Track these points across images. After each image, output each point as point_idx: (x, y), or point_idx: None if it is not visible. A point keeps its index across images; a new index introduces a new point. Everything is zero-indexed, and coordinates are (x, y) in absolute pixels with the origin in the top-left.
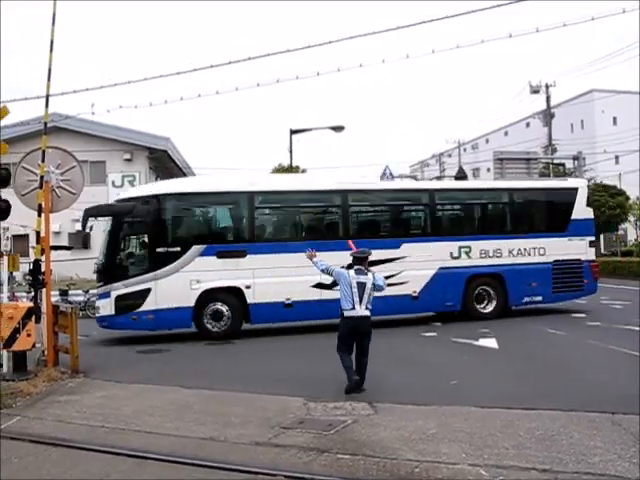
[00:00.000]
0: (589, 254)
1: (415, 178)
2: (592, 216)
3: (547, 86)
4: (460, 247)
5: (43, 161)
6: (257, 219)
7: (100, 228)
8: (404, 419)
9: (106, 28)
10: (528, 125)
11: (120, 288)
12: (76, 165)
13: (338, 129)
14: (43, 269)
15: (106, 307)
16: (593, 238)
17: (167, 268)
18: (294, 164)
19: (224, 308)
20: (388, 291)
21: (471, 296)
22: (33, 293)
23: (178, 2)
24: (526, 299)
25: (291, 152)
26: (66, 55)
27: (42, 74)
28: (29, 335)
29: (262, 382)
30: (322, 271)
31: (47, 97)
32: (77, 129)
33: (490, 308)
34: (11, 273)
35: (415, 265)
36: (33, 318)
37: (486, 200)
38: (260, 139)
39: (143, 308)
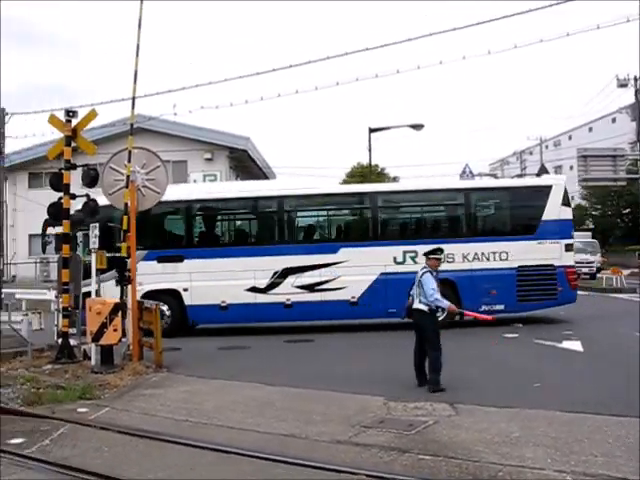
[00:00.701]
0: (565, 259)
1: (495, 176)
2: (570, 216)
3: (636, 79)
4: (405, 252)
5: (129, 161)
6: (194, 226)
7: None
8: (486, 421)
9: (187, 30)
10: (614, 120)
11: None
12: (160, 165)
13: (417, 127)
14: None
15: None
16: (570, 241)
17: (111, 272)
18: (373, 163)
19: (165, 308)
20: (324, 296)
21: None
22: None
23: (258, 3)
24: (484, 307)
25: (370, 151)
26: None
27: (127, 77)
28: (115, 330)
29: (341, 380)
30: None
31: (133, 99)
32: (160, 130)
33: (441, 317)
34: (98, 270)
35: (354, 270)
36: (119, 313)
37: (435, 202)
38: (339, 138)
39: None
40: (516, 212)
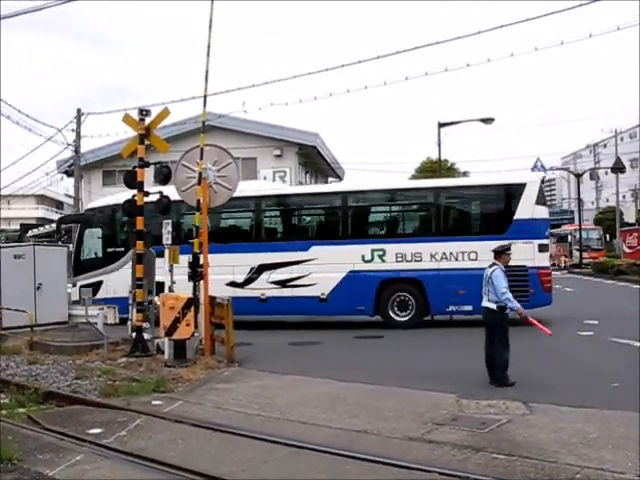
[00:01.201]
0: (538, 260)
1: (568, 170)
2: (545, 216)
3: None
4: (373, 250)
5: (201, 158)
6: (183, 224)
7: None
8: (561, 421)
9: (256, 28)
10: None
11: (81, 280)
12: (232, 162)
13: (488, 121)
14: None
15: (75, 294)
16: (544, 241)
17: (113, 265)
18: (443, 157)
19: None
20: (295, 292)
21: (386, 301)
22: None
23: (326, 1)
24: (452, 308)
25: (439, 145)
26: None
27: (197, 75)
28: (188, 325)
29: (412, 376)
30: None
31: (205, 97)
32: (229, 127)
33: (408, 316)
34: (171, 265)
35: (324, 268)
36: (192, 308)
37: (404, 201)
38: (408, 133)
39: (97, 296)
40: (486, 211)
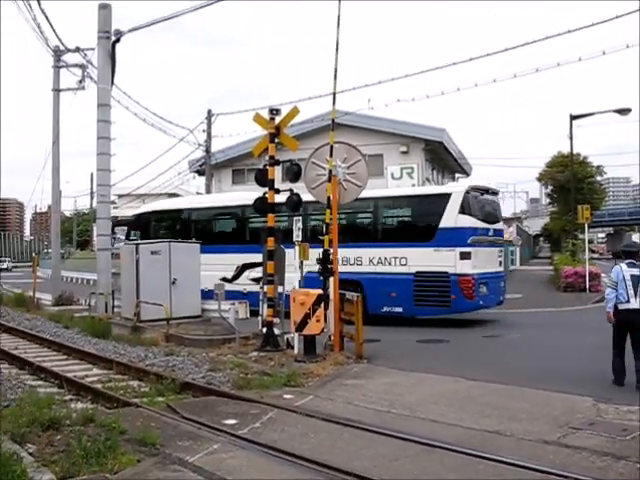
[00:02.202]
0: (460, 267)
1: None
2: (470, 224)
3: None
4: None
5: (331, 156)
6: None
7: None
8: None
9: (383, 23)
10: None
11: None
12: (361, 159)
13: (624, 112)
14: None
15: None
16: (466, 249)
17: None
18: (575, 151)
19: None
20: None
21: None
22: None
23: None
24: (385, 309)
25: (571, 139)
26: (344, 52)
27: (322, 73)
28: (318, 320)
29: (542, 377)
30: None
31: (334, 95)
32: (356, 124)
33: None
34: (301, 262)
35: (289, 268)
36: (322, 305)
37: (345, 210)
38: (538, 126)
39: None
40: (416, 219)
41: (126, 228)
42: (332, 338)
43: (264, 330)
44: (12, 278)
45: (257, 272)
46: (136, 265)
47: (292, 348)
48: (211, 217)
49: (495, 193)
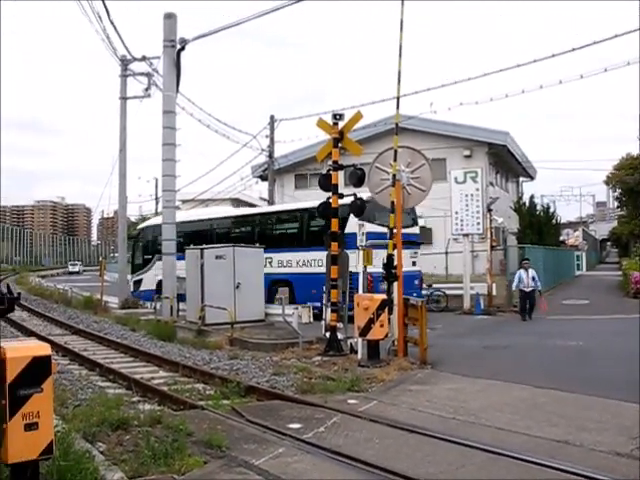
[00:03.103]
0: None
1: None
2: (367, 230)
3: None
4: (266, 258)
5: (395, 160)
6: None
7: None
8: None
9: (444, 27)
10: None
11: (133, 277)
12: (425, 163)
13: None
14: (395, 263)
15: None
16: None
17: (147, 267)
18: None
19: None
20: None
21: (273, 295)
22: (386, 286)
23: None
24: (309, 303)
25: None
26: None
27: (384, 78)
28: (382, 325)
29: (613, 386)
30: None
31: (398, 99)
32: (418, 128)
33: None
34: (365, 267)
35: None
36: (386, 310)
37: (277, 220)
38: (605, 128)
39: (141, 288)
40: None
41: (133, 241)
42: (396, 343)
43: (327, 335)
44: (81, 281)
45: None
46: (201, 269)
47: (355, 353)
48: (192, 229)
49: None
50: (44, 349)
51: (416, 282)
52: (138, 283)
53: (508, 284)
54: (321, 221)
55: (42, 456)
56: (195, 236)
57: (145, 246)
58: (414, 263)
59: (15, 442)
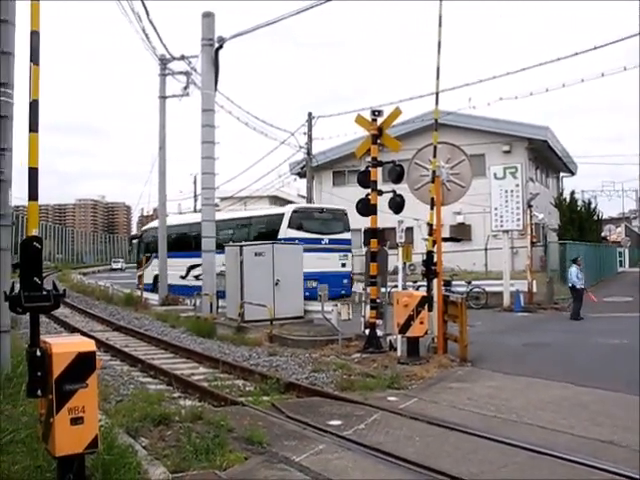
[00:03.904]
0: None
1: None
2: (295, 236)
3: None
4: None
5: (434, 156)
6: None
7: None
8: None
9: (482, 22)
10: None
11: (138, 272)
12: (464, 159)
13: None
14: (435, 260)
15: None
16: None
17: (147, 264)
18: None
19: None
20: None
21: None
22: (426, 283)
23: None
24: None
25: None
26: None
27: (425, 73)
28: (422, 323)
29: None
30: None
31: (437, 95)
32: (456, 124)
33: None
34: (405, 263)
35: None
36: (426, 307)
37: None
38: None
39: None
40: (268, 231)
41: (138, 241)
42: (435, 340)
43: (366, 332)
44: (122, 278)
45: (197, 270)
46: (240, 266)
47: (395, 350)
48: (173, 232)
49: (322, 211)
50: (89, 345)
51: (345, 281)
52: (140, 277)
53: (549, 281)
54: (260, 226)
55: (87, 450)
56: (178, 238)
57: (147, 245)
58: (344, 265)
59: (62, 436)
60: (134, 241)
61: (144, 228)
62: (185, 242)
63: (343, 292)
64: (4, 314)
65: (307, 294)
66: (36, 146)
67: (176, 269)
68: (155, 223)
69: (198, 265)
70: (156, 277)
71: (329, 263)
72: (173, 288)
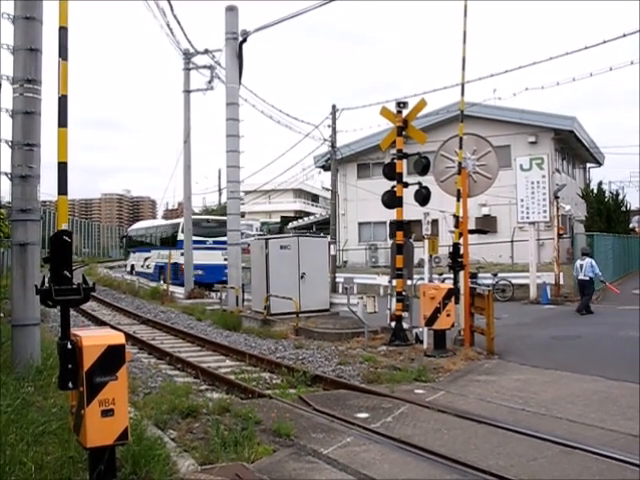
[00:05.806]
0: (179, 259)
1: None
2: (182, 238)
3: None
4: (158, 253)
5: (460, 148)
6: (135, 240)
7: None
8: None
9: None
10: None
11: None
12: (491, 150)
13: None
14: (462, 252)
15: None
16: (181, 250)
17: (130, 258)
18: None
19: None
20: (149, 270)
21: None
22: (453, 275)
23: None
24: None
25: None
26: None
27: (450, 64)
28: (449, 315)
29: None
30: None
31: (462, 86)
32: (481, 115)
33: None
34: (431, 255)
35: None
36: (453, 299)
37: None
38: None
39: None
40: (171, 236)
41: (126, 238)
42: (462, 333)
43: (392, 324)
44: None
45: (148, 261)
46: (266, 260)
47: (421, 343)
48: (141, 234)
49: (208, 221)
50: (118, 338)
51: (225, 271)
52: (127, 267)
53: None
54: (167, 231)
55: (118, 442)
56: (142, 239)
57: (130, 242)
58: (225, 259)
59: (93, 427)
60: (124, 238)
61: (130, 228)
62: (142, 242)
63: (224, 279)
64: (34, 307)
65: (195, 279)
66: (65, 141)
67: (140, 260)
68: (136, 225)
69: (149, 257)
70: (132, 267)
71: (210, 258)
72: (138, 273)
